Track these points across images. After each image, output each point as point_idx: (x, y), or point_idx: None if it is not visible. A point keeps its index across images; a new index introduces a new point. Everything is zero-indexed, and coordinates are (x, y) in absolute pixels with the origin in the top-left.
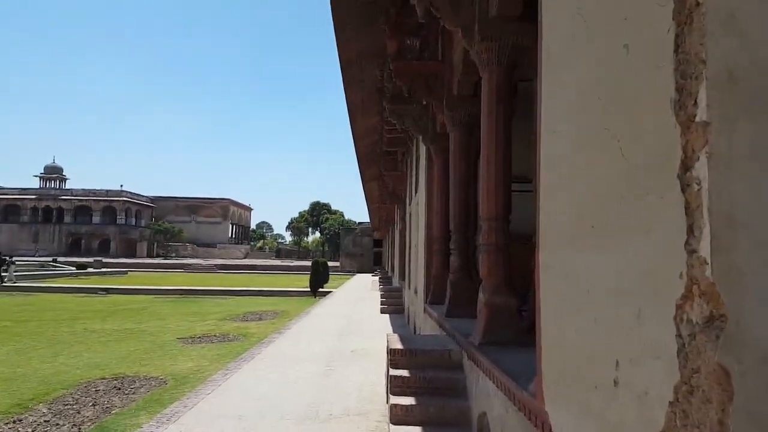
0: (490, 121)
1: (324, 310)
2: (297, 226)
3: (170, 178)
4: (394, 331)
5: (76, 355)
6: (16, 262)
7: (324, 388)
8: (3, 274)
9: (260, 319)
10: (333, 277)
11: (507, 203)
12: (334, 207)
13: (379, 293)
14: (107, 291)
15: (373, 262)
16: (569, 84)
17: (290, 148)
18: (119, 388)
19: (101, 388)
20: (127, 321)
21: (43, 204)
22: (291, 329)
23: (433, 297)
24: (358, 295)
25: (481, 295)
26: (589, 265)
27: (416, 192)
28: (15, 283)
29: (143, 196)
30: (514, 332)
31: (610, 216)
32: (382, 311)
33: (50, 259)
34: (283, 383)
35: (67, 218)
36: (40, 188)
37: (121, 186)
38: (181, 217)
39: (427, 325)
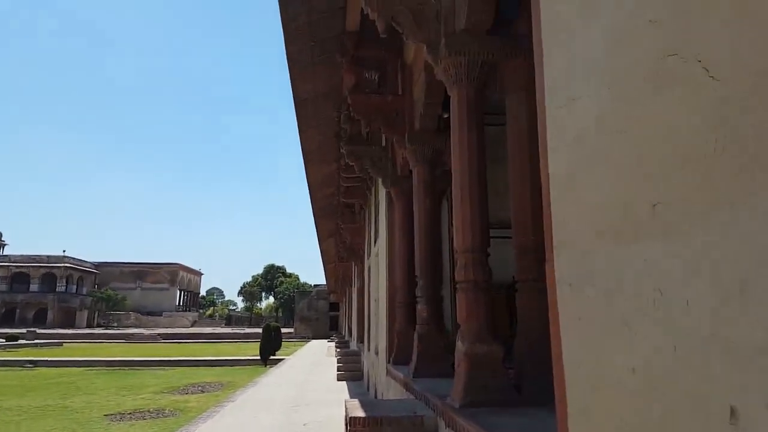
0: (462, 139)
1: (274, 380)
2: (250, 291)
3: (116, 243)
4: (353, 398)
5: None
6: None
7: None
8: None
9: (202, 391)
10: (286, 344)
11: (486, 234)
12: (289, 270)
13: (335, 359)
14: (35, 363)
15: (329, 327)
16: (590, 28)
17: (243, 212)
18: None
19: None
20: (51, 396)
21: None
22: (235, 401)
23: (398, 356)
24: (312, 361)
25: (459, 345)
26: (655, 264)
27: (376, 242)
28: None
29: (87, 261)
30: (503, 390)
31: (691, 184)
32: (339, 378)
33: None
34: None
35: (2, 286)
36: None
37: (64, 251)
38: (127, 284)
39: (390, 388)
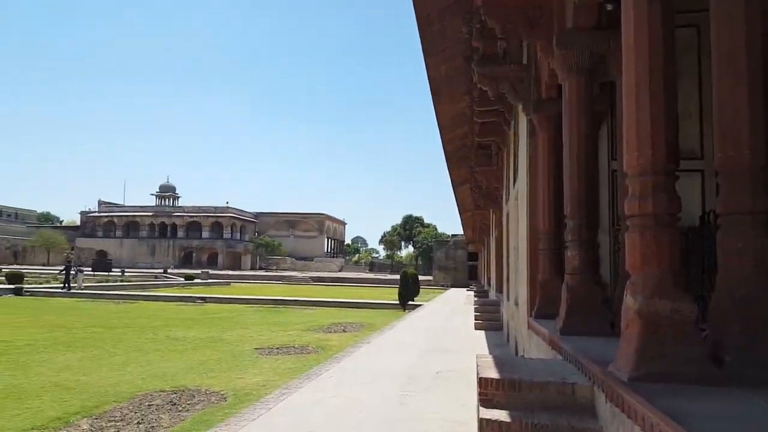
0: (640, 13)
1: (411, 323)
2: (389, 240)
3: (271, 194)
4: (490, 351)
5: (147, 364)
6: (85, 271)
7: (396, 425)
8: (72, 283)
9: (344, 330)
10: (425, 291)
11: (674, 148)
12: (427, 220)
13: (473, 307)
14: (204, 300)
15: (467, 276)
16: None
17: (383, 163)
18: (175, 404)
19: (156, 402)
20: (213, 329)
21: (159, 220)
22: (371, 343)
23: (541, 309)
24: (449, 308)
25: (629, 300)
26: None
27: (515, 183)
28: (82, 290)
29: (247, 212)
30: (695, 361)
31: None
32: (477, 327)
33: (161, 270)
34: (344, 412)
35: (180, 233)
36: (156, 206)
37: (227, 203)
38: (281, 232)
39: (532, 344)
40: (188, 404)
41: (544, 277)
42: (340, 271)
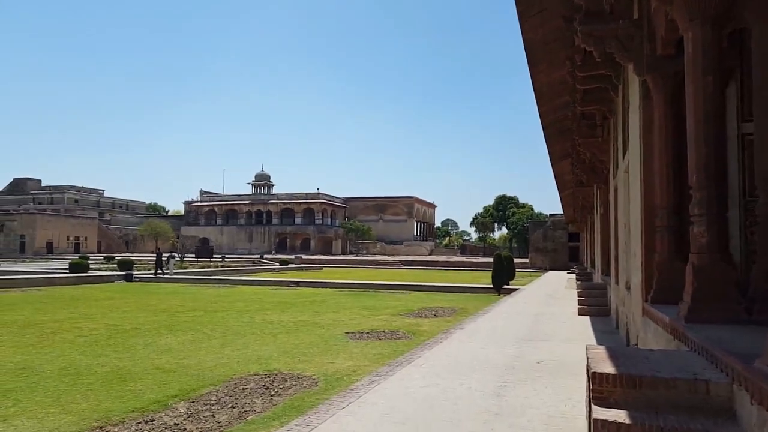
0: None
1: (507, 309)
2: (481, 222)
3: (360, 179)
4: (597, 340)
5: (243, 347)
6: (176, 257)
7: (492, 419)
8: (165, 270)
9: (435, 315)
10: (521, 274)
11: None
12: (521, 200)
13: (575, 292)
14: (297, 284)
15: (568, 258)
16: None
17: (474, 142)
18: (268, 388)
19: (250, 386)
20: (305, 313)
21: (255, 208)
22: (464, 329)
23: (658, 293)
24: (548, 292)
25: None
26: None
27: (624, 154)
28: (172, 275)
29: (337, 197)
30: None
31: None
32: (581, 312)
33: (258, 256)
34: (437, 403)
35: (275, 220)
36: (252, 194)
37: (318, 189)
38: (370, 216)
39: (649, 333)
40: (280, 389)
41: (662, 257)
42: (430, 254)
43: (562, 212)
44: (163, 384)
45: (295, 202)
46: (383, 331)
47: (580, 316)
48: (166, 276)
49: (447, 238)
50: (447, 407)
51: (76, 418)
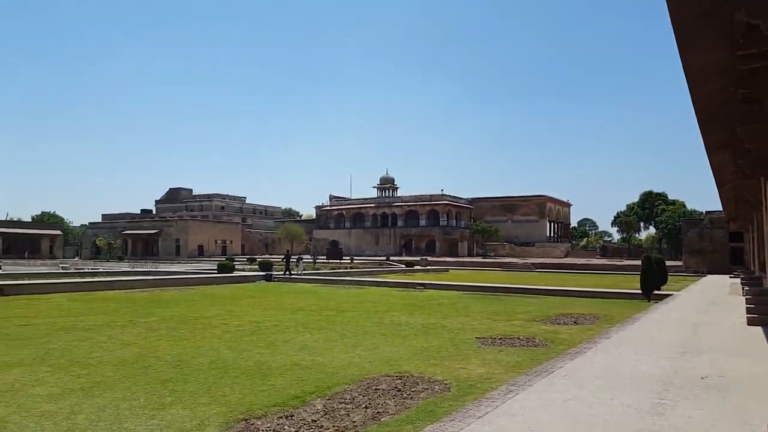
0: None
1: (659, 317)
2: (625, 221)
3: (486, 179)
4: None
5: (374, 348)
6: (313, 260)
7: None
8: (294, 271)
9: (575, 322)
10: (674, 279)
11: None
12: (671, 196)
13: (741, 298)
14: (424, 286)
15: (729, 260)
16: None
17: (611, 136)
18: (399, 390)
19: (382, 387)
20: (433, 316)
21: (381, 211)
22: (611, 338)
23: None
24: (708, 299)
25: None
26: None
27: None
28: (300, 275)
29: (462, 198)
30: None
31: None
32: (750, 322)
33: (385, 258)
34: (584, 420)
35: (400, 222)
36: (377, 197)
37: (442, 190)
38: (497, 217)
39: None
40: (412, 391)
41: None
42: (565, 256)
43: (721, 209)
44: (301, 380)
45: (420, 204)
46: (517, 338)
47: (750, 327)
48: (294, 276)
49: (584, 239)
50: (597, 424)
51: (224, 409)
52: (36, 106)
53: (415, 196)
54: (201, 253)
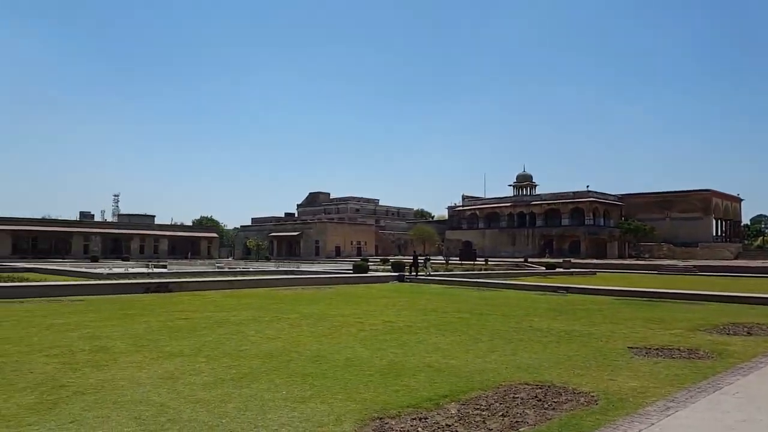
0: None
1: None
2: None
3: (638, 173)
4: None
5: (511, 354)
6: (446, 260)
7: None
8: (420, 271)
9: (749, 333)
10: None
11: None
12: None
13: None
14: (567, 290)
15: None
16: None
17: None
18: (540, 399)
19: (521, 395)
20: (578, 322)
21: (517, 210)
22: None
23: None
24: None
25: None
26: None
27: None
28: (429, 276)
29: (610, 195)
30: None
31: None
32: None
33: (522, 259)
34: None
35: (539, 222)
36: (513, 196)
37: (587, 187)
38: (652, 214)
39: None
40: (554, 402)
41: None
42: (735, 258)
43: None
44: (434, 383)
45: (561, 202)
46: (677, 349)
47: None
48: (423, 277)
49: (759, 239)
50: None
51: (359, 407)
52: (202, 124)
53: (556, 193)
54: (338, 253)
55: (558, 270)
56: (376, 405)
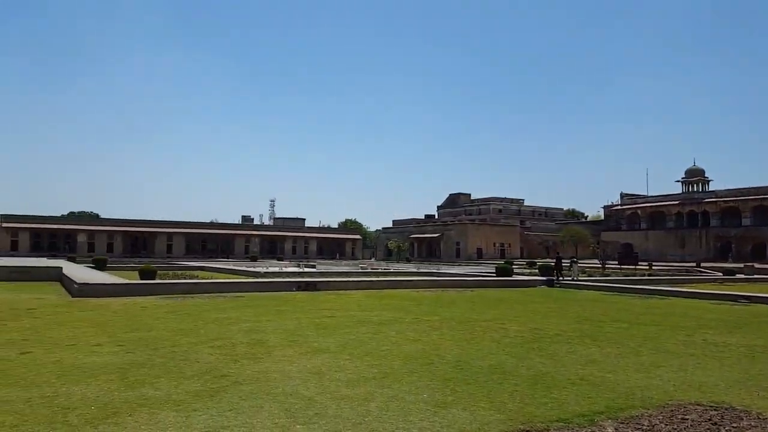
0: None
1: None
2: None
3: None
4: None
5: (680, 370)
6: (602, 264)
7: None
8: (566, 275)
9: None
10: None
11: None
12: None
13: None
14: (749, 299)
15: None
16: None
17: None
18: (715, 423)
19: (691, 416)
20: (762, 337)
21: (687, 209)
22: None
23: None
24: None
25: None
26: None
27: None
28: (575, 281)
29: None
30: None
31: None
32: None
33: (693, 264)
34: None
35: (713, 221)
36: (682, 193)
37: None
38: None
39: None
40: (733, 427)
41: None
42: None
43: None
44: (588, 397)
45: (741, 200)
46: None
47: None
48: (572, 282)
49: None
50: None
51: (503, 417)
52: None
53: (735, 189)
54: (480, 255)
55: (738, 276)
56: (522, 417)
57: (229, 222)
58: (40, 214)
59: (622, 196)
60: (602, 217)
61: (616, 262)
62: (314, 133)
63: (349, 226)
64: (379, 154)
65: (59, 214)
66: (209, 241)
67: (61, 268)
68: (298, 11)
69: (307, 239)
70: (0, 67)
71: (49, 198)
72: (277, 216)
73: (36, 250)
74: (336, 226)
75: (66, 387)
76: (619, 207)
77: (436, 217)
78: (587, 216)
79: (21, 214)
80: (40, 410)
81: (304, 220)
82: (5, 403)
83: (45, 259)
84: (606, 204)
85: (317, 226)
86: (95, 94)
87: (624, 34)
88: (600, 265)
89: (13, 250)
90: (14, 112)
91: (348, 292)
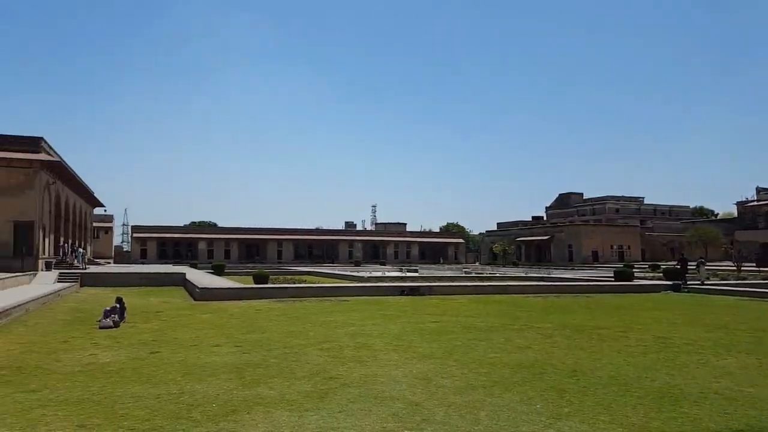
0: None
1: None
2: None
3: None
4: None
5: None
6: (737, 267)
7: None
8: (694, 278)
9: None
10: None
11: None
12: None
13: None
14: None
15: None
16: None
17: None
18: None
19: None
20: None
21: None
22: None
23: None
24: None
25: None
26: None
27: None
28: (703, 284)
29: None
30: None
31: None
32: None
33: None
34: None
35: None
36: None
37: None
38: None
39: None
40: None
41: None
42: None
43: None
44: (725, 413)
45: None
46: None
47: None
48: (694, 286)
49: None
50: None
51: (626, 431)
52: (445, 140)
53: None
54: (595, 258)
55: None
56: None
57: (333, 228)
58: (165, 224)
59: (758, 191)
60: (735, 215)
61: (754, 264)
62: (415, 137)
63: (451, 229)
64: (481, 155)
65: (182, 224)
66: (315, 247)
67: (184, 273)
68: (387, 19)
69: (408, 243)
70: (127, 87)
71: (173, 209)
72: (379, 221)
73: (162, 258)
74: (437, 230)
75: (190, 385)
76: (756, 203)
77: (545, 218)
78: (717, 214)
79: (149, 224)
80: (168, 406)
81: (405, 224)
82: (139, 398)
83: (170, 265)
84: (739, 200)
85: (419, 230)
86: (211, 113)
87: (756, 24)
88: (735, 268)
89: (143, 258)
90: (144, 130)
91: (453, 296)
